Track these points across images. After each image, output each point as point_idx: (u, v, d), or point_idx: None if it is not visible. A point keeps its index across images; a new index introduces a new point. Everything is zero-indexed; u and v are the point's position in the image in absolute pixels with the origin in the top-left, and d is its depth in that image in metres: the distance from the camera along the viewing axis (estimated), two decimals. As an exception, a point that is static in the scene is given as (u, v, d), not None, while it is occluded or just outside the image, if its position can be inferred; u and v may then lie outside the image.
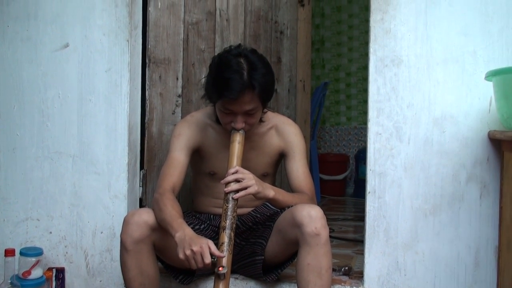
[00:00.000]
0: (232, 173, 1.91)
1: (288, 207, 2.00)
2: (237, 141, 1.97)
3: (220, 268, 1.76)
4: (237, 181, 1.90)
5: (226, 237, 1.82)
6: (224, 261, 1.78)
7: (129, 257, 1.94)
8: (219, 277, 1.77)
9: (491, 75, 1.87)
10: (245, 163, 1.99)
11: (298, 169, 2.14)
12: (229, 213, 1.86)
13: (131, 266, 1.95)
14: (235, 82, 1.86)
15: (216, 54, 2.08)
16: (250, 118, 1.99)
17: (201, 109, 2.32)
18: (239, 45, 2.03)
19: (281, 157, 2.22)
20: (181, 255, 1.73)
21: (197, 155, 2.20)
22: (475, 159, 2.09)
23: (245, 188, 1.90)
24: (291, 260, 2.09)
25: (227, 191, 1.90)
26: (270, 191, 1.97)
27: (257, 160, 2.15)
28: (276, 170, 2.29)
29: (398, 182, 2.14)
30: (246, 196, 2.03)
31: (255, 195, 1.94)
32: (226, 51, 1.99)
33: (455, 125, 2.10)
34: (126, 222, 1.94)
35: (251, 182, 1.90)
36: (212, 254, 1.72)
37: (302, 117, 3.17)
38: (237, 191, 1.90)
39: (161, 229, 1.94)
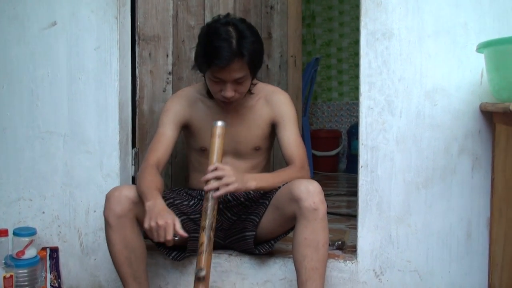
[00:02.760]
0: (212, 170, 1.85)
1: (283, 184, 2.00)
2: (217, 135, 1.89)
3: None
4: (218, 178, 1.85)
5: (205, 237, 1.78)
6: (203, 263, 1.76)
7: (113, 232, 1.96)
8: (199, 279, 1.75)
9: (482, 46, 1.86)
10: (236, 138, 1.99)
11: (289, 138, 2.12)
12: (209, 212, 1.81)
13: (116, 241, 1.97)
14: (224, 50, 1.86)
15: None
16: (240, 87, 1.98)
17: (192, 84, 2.30)
18: (228, 14, 2.02)
19: (274, 129, 2.19)
20: (145, 225, 1.74)
21: (187, 131, 2.20)
22: (466, 131, 2.09)
23: (226, 185, 1.85)
24: (285, 234, 2.10)
25: (207, 190, 1.84)
26: (252, 183, 1.93)
27: (248, 134, 2.14)
28: (270, 145, 2.27)
29: (390, 156, 2.14)
30: (242, 169, 2.05)
31: (237, 191, 1.90)
32: (215, 20, 1.98)
33: (447, 97, 2.10)
34: (107, 199, 1.96)
35: (231, 179, 1.85)
36: (175, 233, 1.73)
37: (294, 93, 3.16)
38: (217, 188, 1.85)
39: (142, 203, 1.96)
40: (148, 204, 1.79)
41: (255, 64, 1.97)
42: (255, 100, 2.17)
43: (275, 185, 2.01)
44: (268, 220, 2.07)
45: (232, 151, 2.15)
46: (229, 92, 1.96)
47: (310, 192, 1.88)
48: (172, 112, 2.12)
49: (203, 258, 1.76)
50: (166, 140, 2.08)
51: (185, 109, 2.15)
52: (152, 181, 1.91)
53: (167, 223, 1.71)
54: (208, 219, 1.80)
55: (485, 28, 2.05)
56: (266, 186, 2.00)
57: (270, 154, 2.33)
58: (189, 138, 2.22)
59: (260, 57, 2.01)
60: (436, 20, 2.09)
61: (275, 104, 2.15)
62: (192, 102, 2.17)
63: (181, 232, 1.73)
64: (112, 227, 1.95)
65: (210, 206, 1.81)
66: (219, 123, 1.88)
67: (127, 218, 1.95)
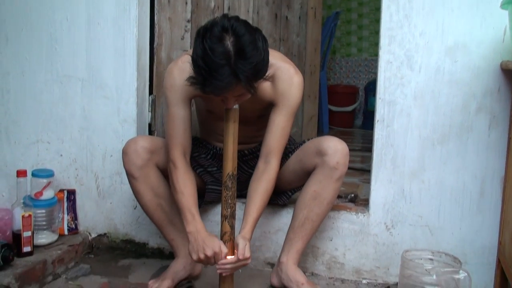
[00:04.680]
0: (234, 262, 1.78)
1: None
2: (232, 120, 1.78)
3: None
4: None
5: (228, 226, 1.81)
6: (228, 252, 1.79)
7: (139, 184, 2.01)
8: None
9: (507, 3, 1.81)
10: (240, 106, 1.81)
11: (278, 124, 1.92)
12: (229, 201, 1.81)
13: (144, 192, 2.02)
14: (218, 80, 1.59)
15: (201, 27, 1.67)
16: (242, 97, 1.77)
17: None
18: (225, 17, 1.64)
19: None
20: (194, 258, 1.79)
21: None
22: (485, 89, 2.07)
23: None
24: (301, 186, 2.10)
25: (219, 272, 1.80)
26: (250, 235, 1.86)
27: (250, 106, 1.95)
28: None
29: (407, 111, 2.13)
30: (249, 133, 2.06)
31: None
32: (210, 33, 1.60)
33: (468, 54, 2.07)
34: (125, 153, 1.99)
35: (248, 262, 1.82)
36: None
37: (313, 46, 3.14)
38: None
39: (161, 151, 1.99)
40: (190, 231, 1.82)
41: (254, 85, 1.68)
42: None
43: (265, 205, 1.94)
44: (288, 172, 2.10)
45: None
46: (231, 104, 1.77)
47: (337, 151, 1.90)
48: (178, 88, 1.90)
49: (228, 247, 1.79)
50: (181, 121, 1.92)
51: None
52: (186, 190, 1.87)
53: (216, 253, 1.74)
54: (230, 208, 1.81)
55: (511, -16, 2.00)
56: (259, 217, 1.92)
57: None
58: (196, 99, 2.12)
59: (261, 74, 1.69)
60: (461, -27, 2.04)
61: (280, 84, 1.91)
62: None
63: (227, 255, 1.77)
64: (137, 179, 1.99)
65: (230, 195, 1.81)
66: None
67: (149, 168, 1.99)
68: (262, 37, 1.67)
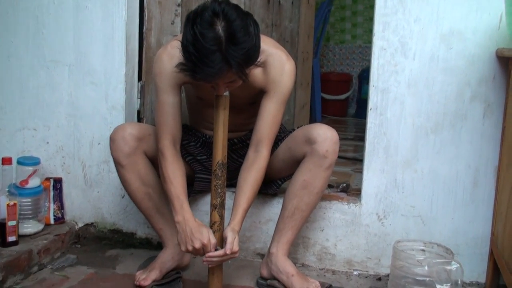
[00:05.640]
0: (221, 255, 1.75)
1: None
2: (222, 107, 1.75)
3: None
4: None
5: (218, 216, 1.79)
6: (217, 242, 1.77)
7: (126, 172, 1.97)
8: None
9: (504, -12, 1.79)
10: (230, 98, 1.78)
11: (269, 112, 1.88)
12: (219, 190, 1.79)
13: (131, 179, 1.98)
14: (209, 66, 1.55)
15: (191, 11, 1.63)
16: (233, 84, 1.73)
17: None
18: (216, 1, 1.60)
19: None
20: (182, 248, 1.77)
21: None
22: (480, 77, 2.04)
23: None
24: (292, 175, 2.07)
25: (205, 263, 1.78)
26: (240, 226, 1.83)
27: (241, 93, 1.91)
28: None
29: (401, 99, 2.10)
30: (240, 121, 2.03)
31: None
32: (200, 18, 1.55)
33: (463, 41, 2.03)
34: (112, 140, 1.95)
35: (236, 255, 1.79)
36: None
37: (306, 32, 3.09)
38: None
39: (149, 138, 1.96)
40: (178, 220, 1.79)
41: (245, 71, 1.64)
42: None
43: (256, 194, 1.91)
44: (277, 160, 2.06)
45: None
46: (221, 91, 1.73)
47: (327, 139, 1.87)
48: (167, 75, 1.85)
49: (217, 237, 1.77)
50: (171, 109, 1.88)
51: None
52: (175, 178, 1.84)
53: (204, 244, 1.72)
54: (219, 197, 1.79)
55: (508, -31, 1.96)
56: (249, 206, 1.89)
57: None
58: (185, 86, 2.08)
59: (252, 60, 1.66)
60: (457, -43, 2.01)
61: (272, 71, 1.87)
62: None
63: (216, 246, 1.75)
64: (124, 167, 1.95)
65: (219, 184, 1.79)
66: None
67: (137, 155, 1.96)
68: (254, 22, 1.63)
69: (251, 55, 1.62)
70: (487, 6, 2.00)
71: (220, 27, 1.54)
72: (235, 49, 1.55)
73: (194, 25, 1.54)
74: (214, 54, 1.54)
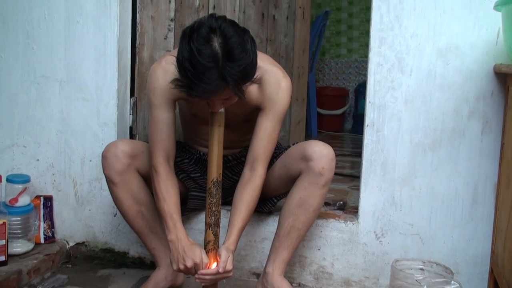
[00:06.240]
0: (214, 274, 1.71)
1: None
2: (217, 124, 1.72)
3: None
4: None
5: (212, 235, 1.76)
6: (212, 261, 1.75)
7: (119, 190, 1.94)
8: None
9: (500, 4, 1.77)
10: (225, 115, 1.75)
11: (265, 130, 1.85)
12: (214, 208, 1.75)
13: (124, 198, 1.95)
14: (206, 84, 1.53)
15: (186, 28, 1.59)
16: (228, 101, 1.70)
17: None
18: (212, 17, 1.57)
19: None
20: (174, 267, 1.74)
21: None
22: (478, 93, 2.02)
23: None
24: (287, 192, 2.03)
25: (198, 282, 1.75)
26: (235, 245, 1.81)
27: (236, 110, 1.88)
28: None
29: (398, 116, 2.07)
30: (235, 138, 2.00)
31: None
32: (197, 34, 1.53)
33: (460, 57, 2.01)
34: (105, 157, 1.92)
35: (230, 274, 1.76)
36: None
37: (301, 47, 3.07)
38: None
39: (142, 155, 1.93)
40: (171, 239, 1.76)
41: (242, 88, 1.61)
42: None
43: (251, 214, 1.88)
44: (273, 178, 2.03)
45: None
46: (217, 108, 1.71)
47: (323, 156, 1.84)
48: (161, 91, 1.83)
49: (211, 256, 1.74)
50: (165, 125, 1.85)
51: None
52: (168, 196, 1.81)
53: (196, 264, 1.69)
54: (214, 216, 1.75)
55: (505, -16, 1.94)
56: (245, 226, 1.86)
57: None
58: (179, 102, 2.05)
59: (249, 77, 1.63)
60: (454, -27, 1.99)
61: (268, 88, 1.84)
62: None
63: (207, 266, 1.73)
64: (116, 185, 1.92)
65: (214, 202, 1.75)
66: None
67: (130, 173, 1.92)
68: (251, 38, 1.61)
69: (248, 72, 1.60)
70: (485, 22, 1.98)
71: (217, 44, 1.51)
72: (232, 66, 1.53)
73: (191, 41, 1.52)
74: (211, 70, 1.51)
